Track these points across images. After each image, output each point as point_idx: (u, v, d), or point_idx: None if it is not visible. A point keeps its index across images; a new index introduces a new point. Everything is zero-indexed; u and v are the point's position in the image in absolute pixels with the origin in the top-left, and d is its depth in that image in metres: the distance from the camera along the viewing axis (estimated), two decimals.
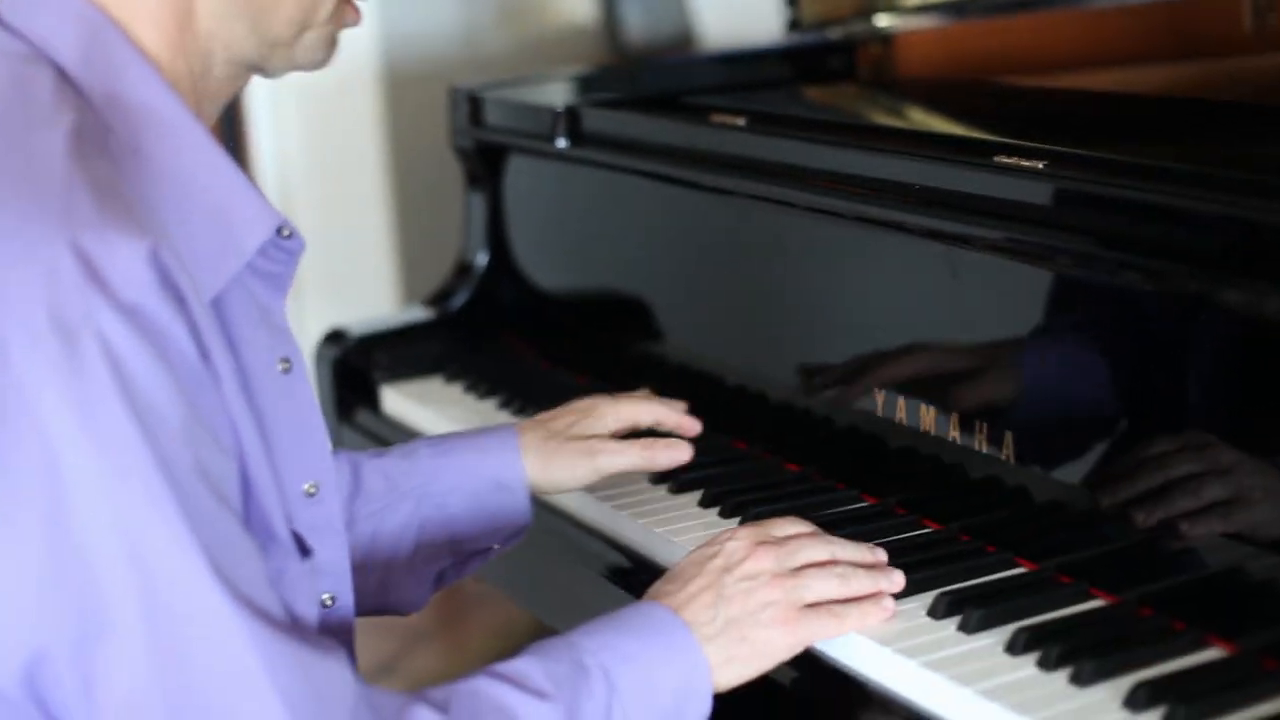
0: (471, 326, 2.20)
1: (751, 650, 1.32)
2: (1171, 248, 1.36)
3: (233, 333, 1.26)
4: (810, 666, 1.38)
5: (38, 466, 1.06)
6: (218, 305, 1.24)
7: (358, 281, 3.39)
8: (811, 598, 1.35)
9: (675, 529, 1.61)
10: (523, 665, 1.25)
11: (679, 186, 1.90)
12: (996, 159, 1.55)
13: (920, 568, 1.45)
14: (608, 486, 1.70)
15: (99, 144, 1.16)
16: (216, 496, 1.12)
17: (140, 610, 1.08)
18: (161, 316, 1.09)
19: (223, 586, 1.09)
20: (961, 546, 1.52)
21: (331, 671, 1.15)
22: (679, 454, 1.65)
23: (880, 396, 1.63)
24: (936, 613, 1.39)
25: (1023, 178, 1.50)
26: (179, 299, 1.11)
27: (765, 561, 1.36)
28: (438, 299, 2.23)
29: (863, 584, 1.38)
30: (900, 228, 1.61)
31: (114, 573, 1.07)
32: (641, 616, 1.32)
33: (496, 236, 2.22)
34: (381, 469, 1.61)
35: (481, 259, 2.22)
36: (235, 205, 1.24)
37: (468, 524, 1.62)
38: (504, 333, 2.22)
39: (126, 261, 1.08)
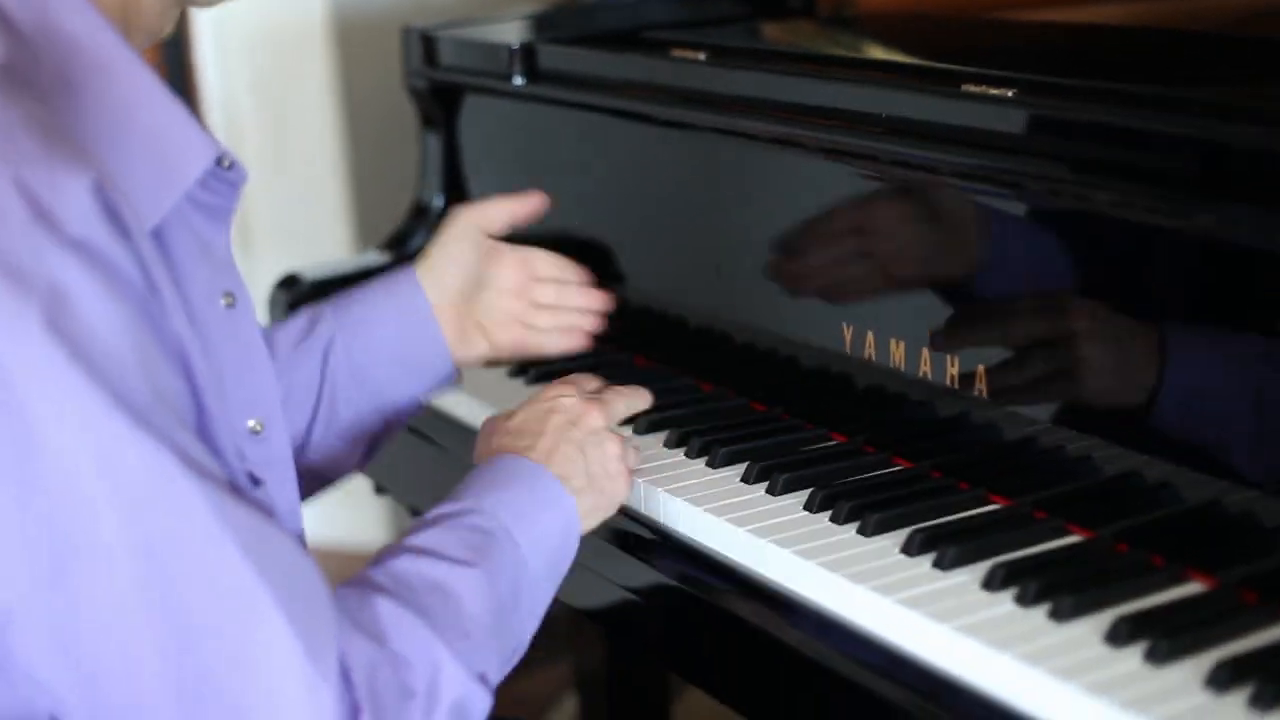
0: None
1: (606, 501, 1.45)
2: (1140, 172, 1.33)
3: (175, 267, 1.23)
4: (781, 607, 1.36)
5: None
6: (158, 238, 1.21)
7: (310, 229, 3.34)
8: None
9: (642, 469, 1.57)
10: (437, 537, 1.29)
11: (639, 122, 1.86)
12: (964, 87, 1.51)
13: (892, 505, 1.43)
14: None
15: (29, 77, 1.12)
16: (178, 419, 1.09)
17: (123, 532, 1.05)
18: (110, 250, 1.06)
19: (201, 490, 1.07)
20: (933, 484, 1.49)
21: (312, 573, 1.13)
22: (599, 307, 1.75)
23: (848, 332, 1.59)
24: (910, 550, 1.36)
25: (991, 104, 1.47)
26: (124, 231, 1.08)
27: (601, 417, 1.47)
28: (394, 242, 2.19)
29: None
30: (868, 158, 1.57)
31: (93, 505, 1.04)
32: (521, 474, 1.38)
33: (453, 177, 2.17)
34: (286, 332, 1.63)
35: (438, 201, 2.18)
36: (172, 135, 1.20)
37: (381, 361, 1.63)
38: None
39: (72, 196, 1.05)
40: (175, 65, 3.49)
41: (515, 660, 1.31)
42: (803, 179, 1.65)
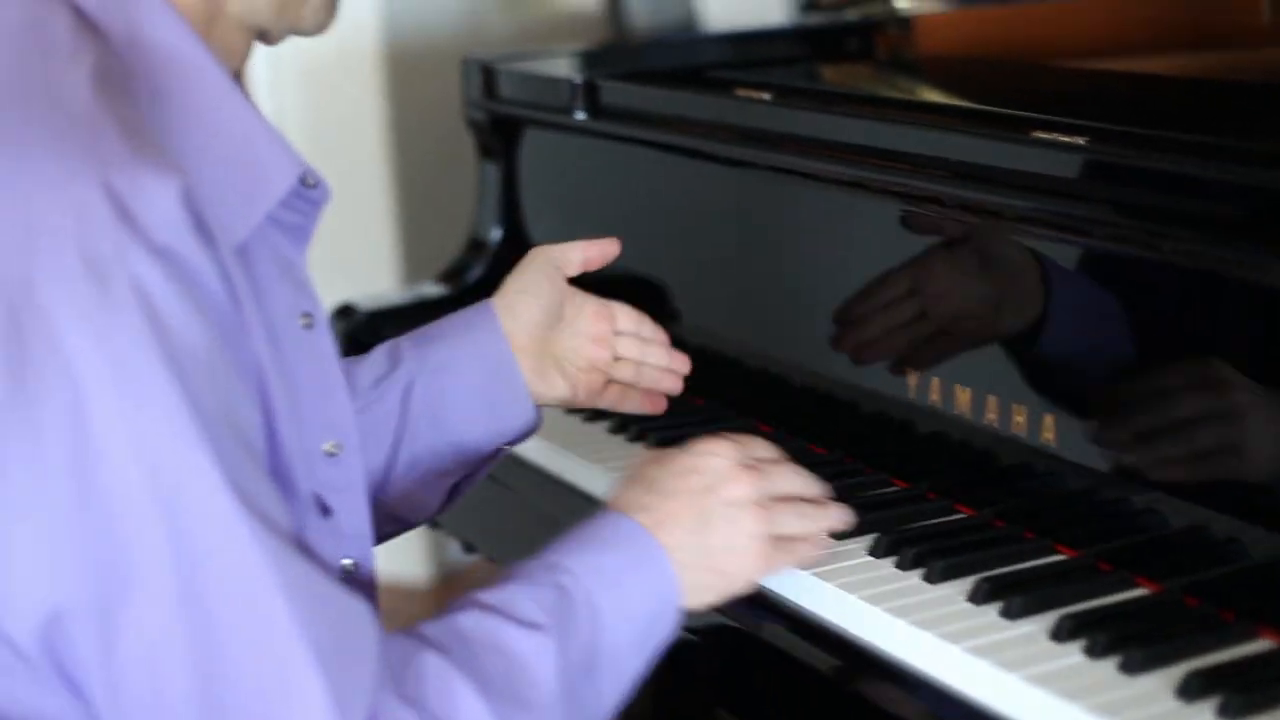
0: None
1: (724, 581, 1.32)
2: (1204, 220, 1.33)
3: (258, 285, 1.22)
4: (847, 652, 1.35)
5: (64, 412, 1.02)
6: (242, 255, 1.20)
7: (358, 259, 3.34)
8: (784, 534, 1.34)
9: None
10: (509, 594, 1.21)
11: (702, 160, 1.85)
12: (1035, 134, 1.51)
13: (957, 552, 1.42)
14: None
15: (122, 85, 1.12)
16: (244, 445, 1.08)
17: (169, 558, 1.04)
18: (193, 258, 1.06)
19: (254, 533, 1.05)
20: (998, 532, 1.48)
21: (360, 625, 1.11)
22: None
23: (914, 379, 1.58)
24: (977, 598, 1.34)
25: (1059, 151, 1.47)
26: (210, 242, 1.08)
27: (748, 488, 1.32)
28: (450, 275, 2.19)
29: (822, 522, 1.38)
30: (934, 201, 1.56)
31: (142, 521, 1.03)
32: (621, 535, 1.28)
33: (510, 211, 2.17)
34: (369, 368, 1.56)
35: (495, 233, 2.17)
36: (259, 151, 1.20)
37: (460, 406, 1.55)
38: None
39: (158, 201, 1.05)
40: None
41: None
42: (866, 222, 1.65)
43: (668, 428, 1.77)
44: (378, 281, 3.26)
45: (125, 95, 1.11)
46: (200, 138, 1.16)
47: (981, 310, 1.54)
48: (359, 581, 1.34)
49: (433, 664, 1.14)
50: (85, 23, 1.15)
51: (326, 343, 1.32)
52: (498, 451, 1.59)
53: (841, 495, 1.54)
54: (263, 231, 1.23)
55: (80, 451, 1.02)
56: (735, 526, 1.31)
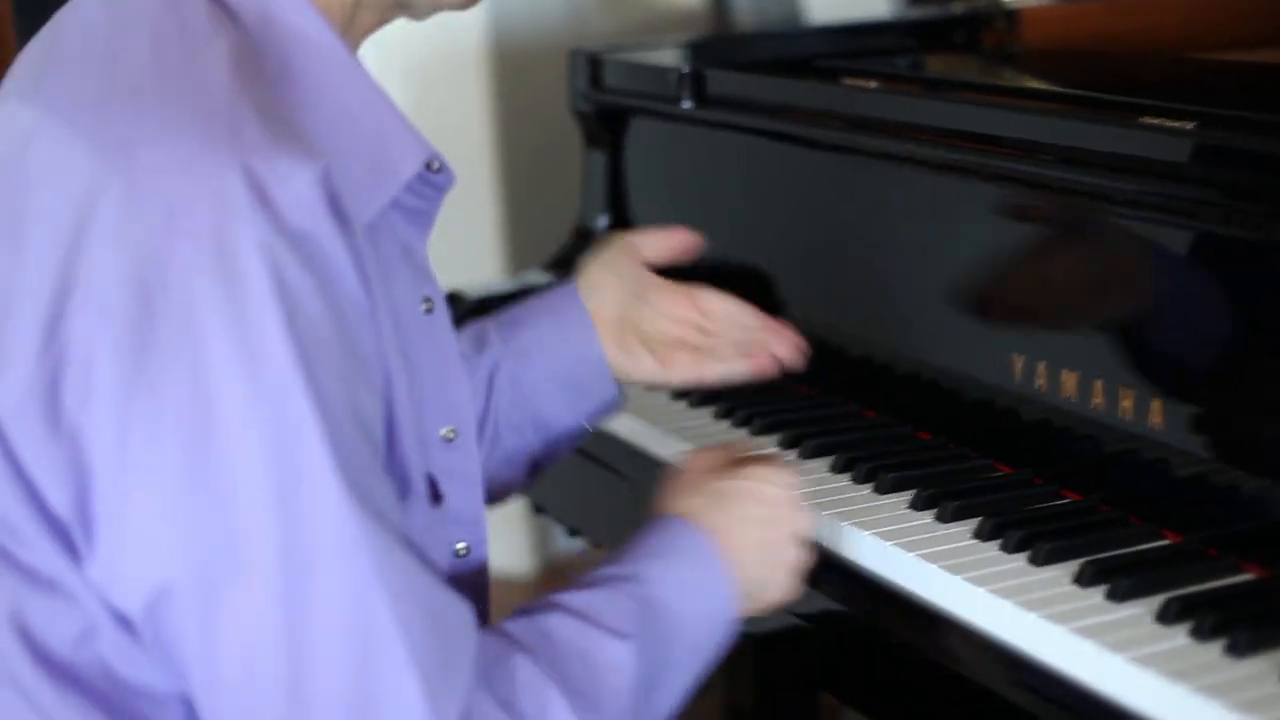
0: None
1: (757, 605, 1.35)
2: None
3: (383, 269, 1.24)
4: (953, 634, 1.35)
5: (187, 392, 1.04)
6: (368, 238, 1.21)
7: (465, 249, 3.37)
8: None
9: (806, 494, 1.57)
10: (594, 600, 1.22)
11: (809, 148, 1.86)
12: (1142, 119, 1.50)
13: (1063, 535, 1.41)
14: None
15: (256, 67, 1.13)
16: (364, 436, 1.09)
17: (277, 544, 1.05)
18: (328, 244, 1.07)
19: (362, 528, 1.06)
20: (1104, 516, 1.47)
21: (460, 625, 1.12)
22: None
23: (1019, 364, 1.58)
24: (1083, 580, 1.34)
25: (1168, 135, 1.46)
26: (346, 226, 1.09)
27: (803, 525, 1.37)
28: (557, 264, 2.20)
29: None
30: (1042, 187, 1.56)
31: (255, 505, 1.04)
32: (696, 553, 1.30)
33: (615, 200, 2.19)
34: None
35: (601, 222, 2.19)
36: (387, 135, 1.22)
37: (549, 393, 1.58)
38: None
39: (295, 186, 1.06)
40: None
41: None
42: (973, 207, 1.65)
43: (777, 413, 1.77)
44: (486, 271, 3.28)
45: (260, 77, 1.13)
46: (329, 119, 1.18)
47: (1088, 295, 1.54)
48: (471, 567, 1.36)
49: (524, 667, 1.15)
50: (219, 4, 1.17)
51: (446, 328, 1.33)
52: (581, 430, 1.61)
53: (947, 480, 1.56)
54: (387, 215, 1.25)
55: (200, 431, 1.04)
56: (783, 558, 1.36)
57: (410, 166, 1.22)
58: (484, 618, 1.38)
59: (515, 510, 2.11)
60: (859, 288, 1.81)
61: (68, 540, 1.09)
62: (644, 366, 1.61)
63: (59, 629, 1.10)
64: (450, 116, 3.39)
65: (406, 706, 1.06)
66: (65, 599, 1.10)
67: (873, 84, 1.83)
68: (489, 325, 1.62)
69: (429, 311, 1.30)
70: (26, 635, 1.11)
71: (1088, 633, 1.26)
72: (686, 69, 2.00)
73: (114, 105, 1.10)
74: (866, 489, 1.58)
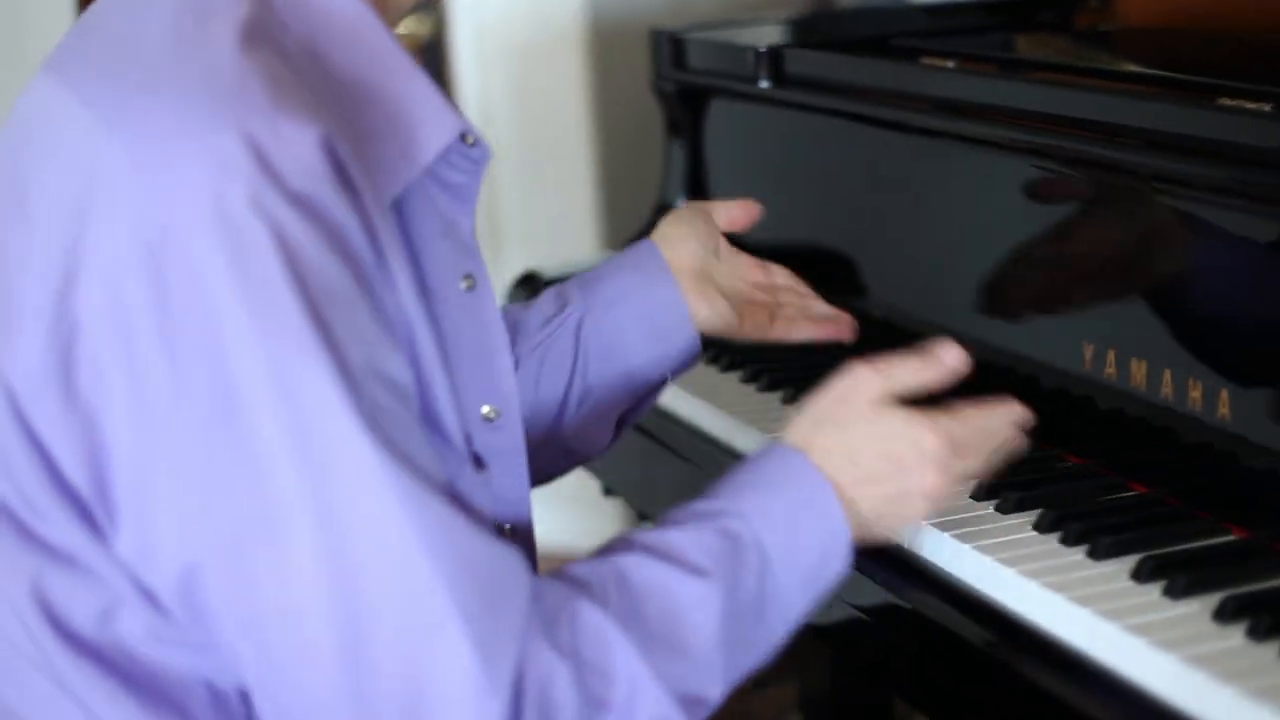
0: None
1: (878, 534, 1.29)
2: None
3: (415, 243, 1.23)
4: (1003, 628, 1.32)
5: (202, 361, 1.03)
6: (399, 213, 1.21)
7: (560, 229, 3.37)
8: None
9: None
10: (674, 537, 1.19)
11: (884, 129, 1.83)
12: (1220, 101, 1.46)
13: (1124, 529, 1.38)
14: None
15: (274, 38, 1.13)
16: (390, 389, 1.08)
17: (308, 504, 1.04)
18: (334, 206, 1.06)
19: (393, 477, 1.05)
20: (1169, 511, 1.44)
21: (509, 572, 1.10)
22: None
23: (1089, 352, 1.54)
24: (1140, 576, 1.31)
25: (1249, 118, 1.42)
26: (352, 191, 1.08)
27: (944, 484, 1.28)
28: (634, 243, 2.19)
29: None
30: (1121, 170, 1.52)
31: (280, 466, 1.04)
32: (797, 481, 1.25)
33: (696, 180, 2.17)
34: (538, 311, 1.58)
35: (680, 203, 2.17)
36: (415, 109, 1.20)
37: (630, 340, 1.57)
38: None
39: (298, 149, 1.06)
40: (434, 71, 3.56)
41: (754, 668, 1.23)
42: (1054, 194, 1.61)
43: None
44: (579, 252, 3.28)
45: (275, 48, 1.12)
46: (353, 94, 1.17)
47: (1162, 282, 1.50)
48: (518, 545, 1.34)
49: (588, 613, 1.13)
50: None
51: (490, 306, 1.32)
52: (663, 381, 1.60)
53: (1010, 471, 1.52)
54: (425, 189, 1.24)
55: (219, 399, 1.03)
56: (913, 510, 1.29)
57: (440, 139, 1.21)
58: None
59: (590, 487, 2.09)
60: (936, 274, 1.78)
61: (87, 516, 1.09)
62: (720, 312, 1.60)
63: (80, 605, 1.11)
64: (548, 97, 3.39)
65: (456, 655, 1.05)
66: (85, 575, 1.10)
67: (949, 64, 1.79)
68: (569, 284, 1.61)
69: (470, 289, 1.29)
70: (49, 610, 1.11)
71: (1140, 630, 1.23)
72: (763, 48, 1.98)
73: (122, 75, 1.11)
74: None
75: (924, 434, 1.27)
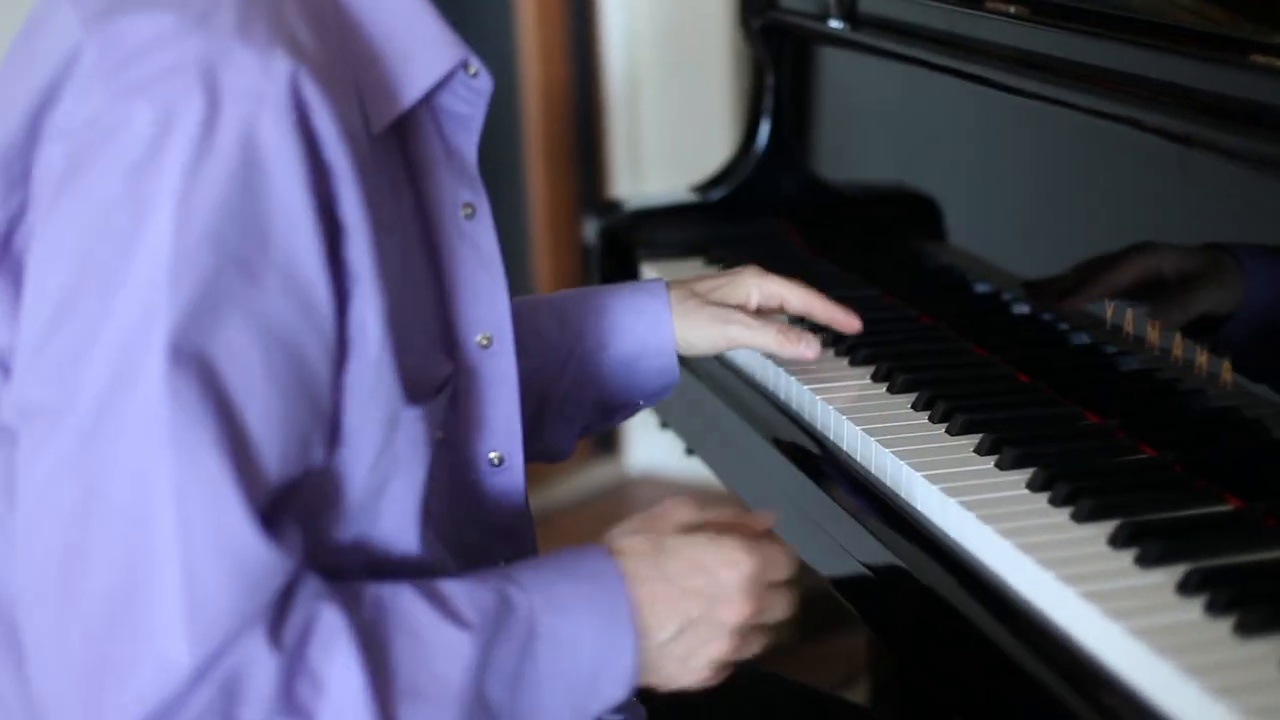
0: (741, 211, 2.15)
1: (671, 680, 1.23)
2: None
3: (417, 169, 1.26)
4: (975, 583, 1.32)
5: (85, 235, 1.09)
6: (401, 140, 1.23)
7: (697, 156, 3.38)
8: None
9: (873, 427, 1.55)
10: (449, 584, 1.17)
11: (949, 76, 1.80)
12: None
13: (1114, 493, 1.36)
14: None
15: None
16: (254, 337, 1.09)
17: (97, 404, 1.07)
18: (268, 136, 1.09)
19: (184, 424, 1.06)
20: (1171, 477, 1.41)
21: (253, 556, 1.08)
22: (808, 349, 1.56)
23: (1110, 309, 1.52)
24: (1117, 541, 1.29)
25: None
26: (303, 124, 1.10)
27: (741, 618, 1.22)
28: (711, 183, 2.19)
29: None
30: (1165, 134, 1.48)
31: (98, 361, 1.07)
32: (591, 571, 1.21)
33: (778, 121, 2.15)
34: (533, 325, 1.56)
35: (761, 143, 2.16)
36: (415, 38, 1.22)
37: (613, 380, 1.58)
38: (776, 220, 2.16)
39: (246, 73, 1.09)
40: (579, 4, 3.58)
41: None
42: (1125, 157, 1.56)
43: (877, 343, 1.73)
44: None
45: None
46: (360, 20, 1.20)
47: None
48: (505, 479, 1.36)
49: (330, 619, 1.11)
50: None
51: (488, 235, 1.33)
52: (637, 407, 1.62)
53: (1019, 426, 1.51)
54: (428, 117, 1.26)
55: (81, 270, 1.08)
56: (706, 646, 1.22)
57: (438, 68, 1.23)
58: (524, 530, 1.39)
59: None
60: (1003, 226, 1.76)
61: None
62: (707, 342, 1.60)
63: None
64: (691, 26, 3.40)
65: (163, 605, 1.06)
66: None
67: (1011, 9, 1.74)
68: (571, 309, 1.59)
69: (469, 217, 1.31)
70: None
71: (1098, 597, 1.21)
72: None
73: None
74: (940, 429, 1.53)
75: (739, 554, 1.22)
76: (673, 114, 3.52)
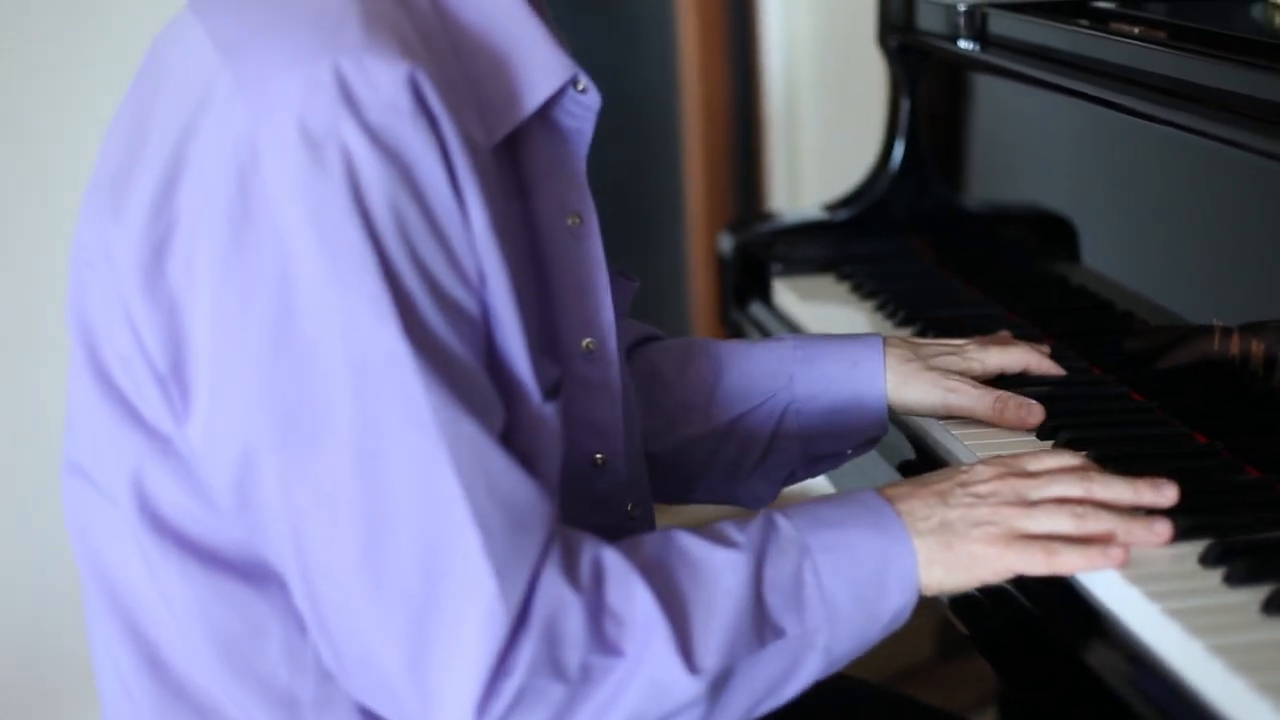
0: (875, 229, 2.18)
1: (955, 560, 1.26)
2: None
3: (528, 180, 1.32)
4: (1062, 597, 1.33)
5: (273, 270, 1.15)
6: (513, 151, 1.30)
7: (854, 167, 3.40)
8: (1035, 529, 1.27)
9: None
10: (718, 524, 1.26)
11: (1074, 98, 1.81)
12: None
13: (1208, 513, 1.36)
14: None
15: None
16: (446, 317, 1.17)
17: (351, 414, 1.14)
18: (410, 142, 1.16)
19: (434, 400, 1.14)
20: (1273, 497, 1.41)
21: (531, 500, 1.18)
22: (1029, 416, 1.58)
23: (1221, 329, 1.52)
24: (1207, 560, 1.30)
25: None
26: (435, 130, 1.17)
27: (1001, 487, 1.29)
28: (844, 201, 2.22)
29: (1100, 525, 1.28)
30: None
31: (330, 377, 1.14)
32: (850, 495, 1.29)
33: (913, 139, 2.18)
34: (746, 371, 1.62)
35: (896, 161, 2.19)
36: (526, 55, 1.29)
37: (823, 430, 1.62)
38: (912, 237, 2.19)
39: (380, 85, 1.15)
40: (739, 14, 3.62)
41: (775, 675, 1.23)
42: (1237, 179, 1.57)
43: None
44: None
45: None
46: (474, 38, 1.27)
47: None
48: (609, 478, 1.42)
49: (615, 561, 1.20)
50: None
51: (594, 244, 1.39)
52: (844, 456, 1.65)
53: (1125, 444, 1.52)
54: (540, 130, 1.33)
55: (283, 307, 1.15)
56: (971, 511, 1.28)
57: (549, 84, 1.29)
58: (615, 528, 1.43)
59: None
60: (1134, 252, 1.77)
61: (170, 399, 1.21)
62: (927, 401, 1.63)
63: (168, 489, 1.24)
64: (850, 38, 3.42)
65: (470, 562, 1.14)
66: (176, 459, 1.23)
67: (1135, 30, 1.75)
68: (793, 359, 1.63)
69: (576, 226, 1.36)
70: (142, 494, 1.24)
71: (1181, 614, 1.22)
72: (964, 6, 1.97)
73: (244, 11, 1.23)
74: (1047, 445, 1.55)
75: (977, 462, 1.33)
76: (831, 127, 3.54)
